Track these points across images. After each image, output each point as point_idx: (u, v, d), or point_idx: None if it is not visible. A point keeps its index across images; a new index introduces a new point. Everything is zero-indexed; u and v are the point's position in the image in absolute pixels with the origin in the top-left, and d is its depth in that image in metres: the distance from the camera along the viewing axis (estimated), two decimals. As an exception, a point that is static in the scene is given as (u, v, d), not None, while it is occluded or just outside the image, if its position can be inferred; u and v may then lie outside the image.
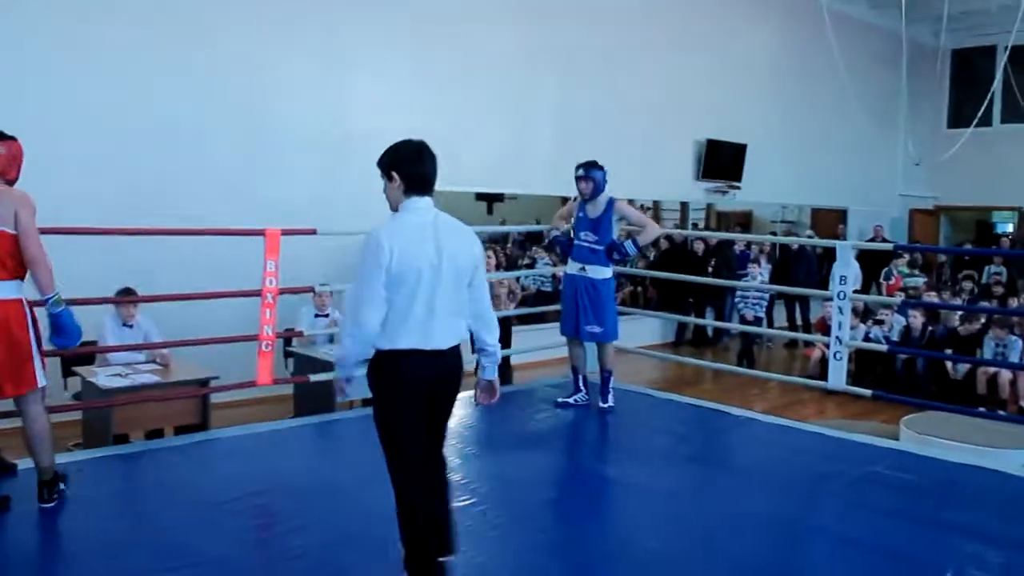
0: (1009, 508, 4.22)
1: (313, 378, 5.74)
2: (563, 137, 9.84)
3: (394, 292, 2.91)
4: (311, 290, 6.01)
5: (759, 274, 10.94)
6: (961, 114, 14.83)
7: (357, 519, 3.78)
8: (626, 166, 10.37)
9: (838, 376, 5.77)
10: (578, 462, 5.04)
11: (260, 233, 5.18)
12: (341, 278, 7.16)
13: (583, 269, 5.66)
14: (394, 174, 3.03)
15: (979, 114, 13.22)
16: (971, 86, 14.90)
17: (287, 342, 6.73)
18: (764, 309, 10.78)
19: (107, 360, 5.66)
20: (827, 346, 6.22)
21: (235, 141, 7.51)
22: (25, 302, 3.75)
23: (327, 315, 6.73)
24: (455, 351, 3.08)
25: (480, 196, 10.68)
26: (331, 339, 6.60)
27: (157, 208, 6.62)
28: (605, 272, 5.69)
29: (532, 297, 10.53)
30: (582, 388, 5.85)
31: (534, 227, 10.53)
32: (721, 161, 12.07)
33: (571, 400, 5.83)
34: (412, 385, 2.97)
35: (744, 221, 13.37)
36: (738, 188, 12.35)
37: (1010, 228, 15.40)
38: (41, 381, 3.77)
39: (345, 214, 7.08)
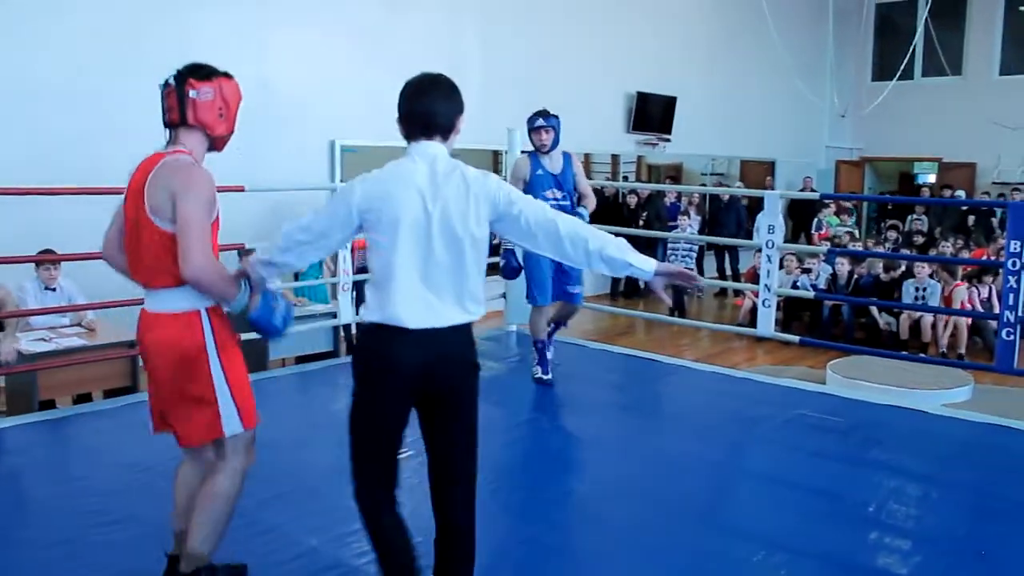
0: (928, 446, 4.38)
1: (244, 337, 5.64)
2: (490, 90, 9.76)
3: (371, 250, 2.40)
4: (241, 247, 5.90)
5: (689, 226, 11.08)
6: (885, 67, 15.12)
7: (290, 477, 3.76)
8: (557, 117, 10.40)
9: (767, 323, 5.90)
10: (513, 413, 5.07)
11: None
12: (269, 236, 7.07)
13: None
14: (397, 120, 2.50)
15: (901, 67, 13.51)
16: (894, 40, 15.19)
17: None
18: (694, 260, 10.94)
19: (29, 324, 5.50)
20: (756, 294, 6.35)
21: (154, 99, 7.28)
22: (204, 315, 2.65)
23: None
24: (457, 334, 2.41)
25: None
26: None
27: (75, 170, 6.39)
28: None
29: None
30: (548, 354, 5.43)
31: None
32: (651, 114, 12.14)
33: (548, 376, 5.35)
34: (384, 371, 2.37)
35: (675, 174, 13.49)
36: (668, 141, 12.45)
37: (931, 178, 15.82)
38: (231, 427, 2.70)
39: (272, 169, 6.96)
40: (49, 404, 5.21)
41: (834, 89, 13.94)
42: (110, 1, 7.09)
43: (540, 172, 5.13)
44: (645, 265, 2.45)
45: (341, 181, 7.95)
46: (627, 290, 11.88)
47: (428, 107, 2.48)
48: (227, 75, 2.70)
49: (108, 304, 5.28)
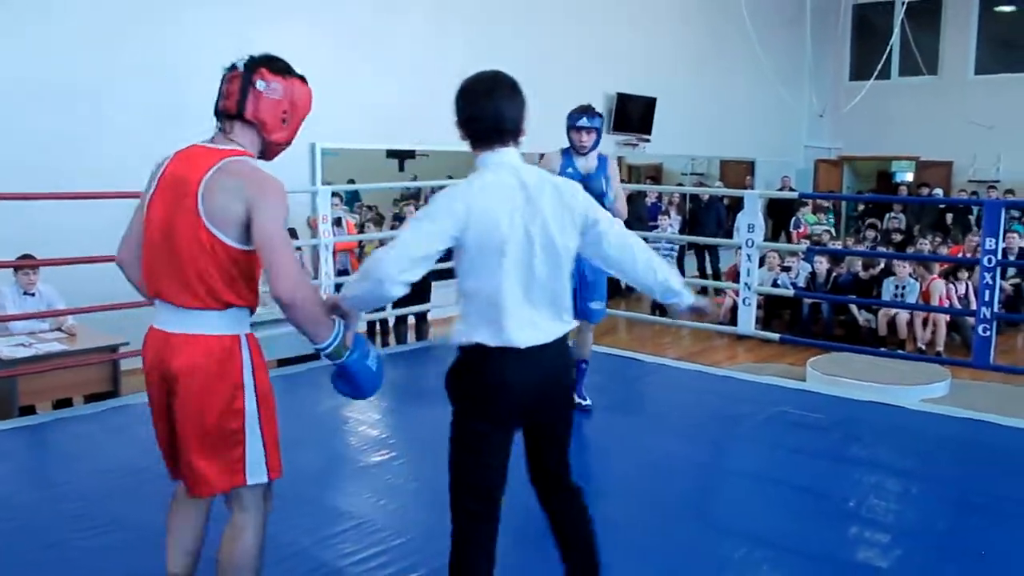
0: (907, 441, 4.43)
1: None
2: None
3: (467, 269, 2.28)
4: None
5: (670, 225, 11.14)
6: (862, 67, 15.23)
7: (280, 479, 3.75)
8: (536, 119, 10.36)
9: (747, 322, 5.95)
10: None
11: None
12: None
13: None
14: (458, 124, 2.36)
15: (879, 67, 13.62)
16: (871, 40, 15.29)
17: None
18: (675, 260, 10.99)
19: (8, 330, 5.46)
20: (737, 293, 6.40)
21: (138, 99, 7.25)
22: (244, 342, 2.30)
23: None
24: (559, 346, 2.34)
25: (391, 153, 10.57)
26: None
27: (55, 174, 6.36)
28: None
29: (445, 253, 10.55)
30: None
31: (446, 182, 10.44)
32: (631, 114, 12.18)
33: (587, 399, 4.81)
34: (500, 396, 2.26)
35: (654, 174, 13.55)
36: (648, 141, 12.49)
37: (909, 177, 15.96)
38: (255, 475, 2.31)
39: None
40: (29, 410, 5.19)
41: (812, 89, 14.04)
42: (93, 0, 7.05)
43: (570, 170, 4.53)
44: (686, 296, 2.51)
45: (322, 184, 7.93)
46: (608, 290, 11.90)
47: (496, 110, 2.33)
48: (303, 78, 2.39)
49: (88, 309, 5.26)
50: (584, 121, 4.55)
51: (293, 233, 7.28)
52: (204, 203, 2.17)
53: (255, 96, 2.27)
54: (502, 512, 2.40)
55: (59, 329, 5.56)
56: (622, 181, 4.99)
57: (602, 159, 4.68)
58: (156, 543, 3.13)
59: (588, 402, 4.80)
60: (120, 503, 3.53)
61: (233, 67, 2.31)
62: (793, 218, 13.03)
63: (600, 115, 4.66)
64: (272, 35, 8.06)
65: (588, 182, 4.36)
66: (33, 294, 5.59)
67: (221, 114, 2.32)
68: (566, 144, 4.68)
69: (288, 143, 2.39)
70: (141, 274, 2.34)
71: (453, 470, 2.34)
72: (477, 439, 2.30)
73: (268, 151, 2.37)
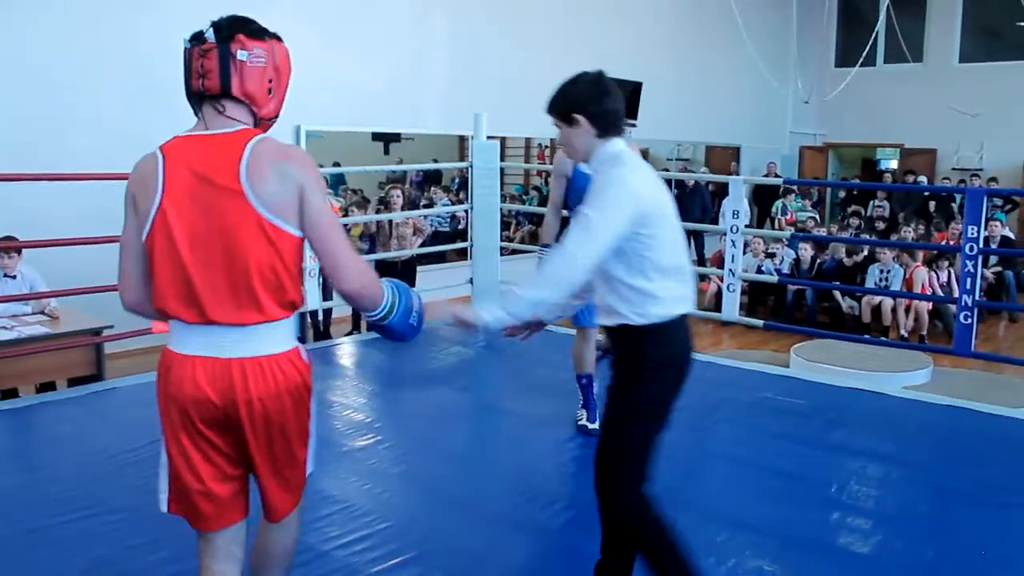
0: (889, 427, 4.47)
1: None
2: (457, 75, 9.76)
3: (667, 249, 2.38)
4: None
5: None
6: (848, 54, 15.25)
7: (262, 463, 3.76)
8: (522, 104, 10.35)
9: (731, 308, 5.97)
10: (480, 398, 5.10)
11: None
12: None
13: None
14: (578, 117, 2.43)
15: (864, 54, 13.65)
16: (857, 27, 15.31)
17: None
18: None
19: (-11, 312, 5.42)
20: (721, 279, 6.42)
21: (118, 84, 7.19)
22: (304, 353, 2.12)
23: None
24: None
25: (376, 136, 10.54)
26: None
27: (35, 157, 6.31)
28: None
29: (430, 238, 10.55)
30: (594, 397, 4.34)
31: (431, 166, 10.46)
32: (617, 99, 12.17)
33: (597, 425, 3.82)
34: (688, 362, 2.45)
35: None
36: (634, 126, 12.39)
37: (893, 164, 16.02)
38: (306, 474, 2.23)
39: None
40: (12, 393, 5.15)
41: (798, 75, 14.06)
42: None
43: (584, 169, 4.03)
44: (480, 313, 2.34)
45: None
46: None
47: (621, 104, 2.53)
48: (277, 37, 2.08)
49: (70, 292, 5.22)
50: None
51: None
52: (256, 193, 1.91)
53: (238, 69, 1.97)
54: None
55: (42, 312, 5.52)
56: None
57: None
58: (139, 526, 3.15)
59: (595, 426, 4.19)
60: (103, 486, 3.52)
61: (201, 38, 1.97)
62: (780, 204, 13.07)
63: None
64: (255, 17, 8.03)
65: None
66: (14, 276, 5.54)
67: (202, 95, 1.99)
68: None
69: (277, 116, 2.12)
70: (166, 303, 1.97)
71: (630, 439, 2.42)
72: (663, 409, 2.43)
73: (261, 128, 2.07)
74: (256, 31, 2.02)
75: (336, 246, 1.98)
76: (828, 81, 14.78)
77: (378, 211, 8.69)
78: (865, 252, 9.59)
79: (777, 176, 13.28)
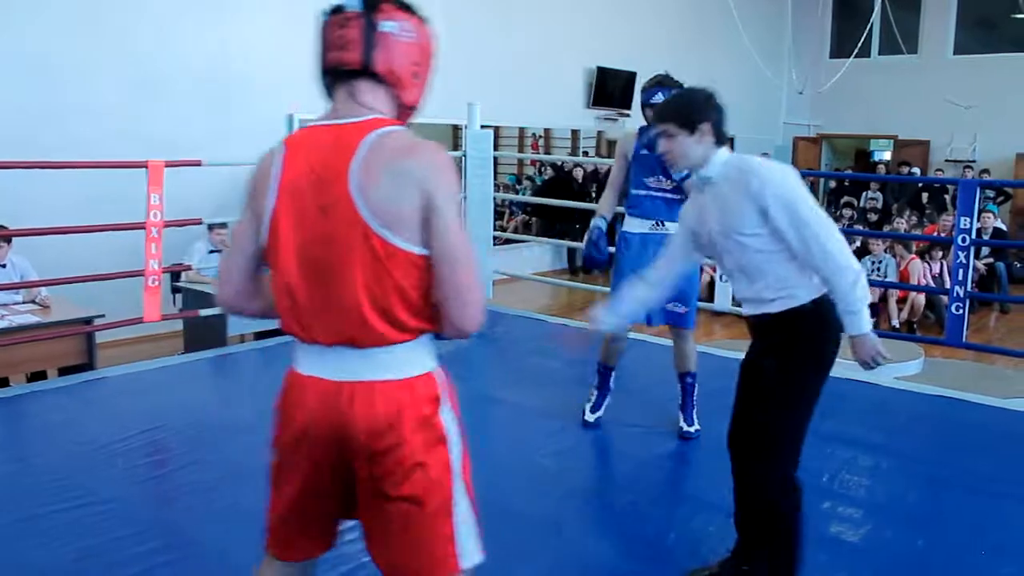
0: (880, 417, 4.48)
1: (203, 313, 5.61)
2: (451, 63, 9.65)
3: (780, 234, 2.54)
4: (199, 222, 5.82)
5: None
6: (842, 45, 15.25)
7: (252, 453, 3.72)
8: (516, 94, 10.36)
9: (725, 298, 5.97)
10: (468, 387, 5.07)
11: (143, 165, 4.99)
12: (229, 211, 6.98)
13: (659, 225, 3.94)
14: (705, 126, 2.60)
15: (859, 45, 13.64)
16: (852, 18, 15.31)
17: (175, 277, 6.55)
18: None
19: (-20, 301, 5.40)
20: (714, 269, 6.42)
21: (113, 74, 7.13)
22: (442, 382, 1.77)
23: (221, 251, 6.51)
24: None
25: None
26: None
27: (29, 147, 6.26)
28: None
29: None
30: (611, 386, 4.35)
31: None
32: (610, 89, 12.16)
33: (601, 411, 4.28)
34: (840, 340, 2.55)
35: (634, 150, 13.53)
36: (628, 116, 12.47)
37: (887, 155, 16.03)
38: (468, 556, 1.76)
39: (229, 143, 6.86)
40: (2, 382, 5.15)
41: (792, 66, 14.05)
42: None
43: (644, 152, 3.95)
44: None
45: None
46: (586, 266, 11.93)
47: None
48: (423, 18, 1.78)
49: (62, 280, 5.20)
50: (660, 96, 3.80)
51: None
52: (364, 197, 1.60)
53: (384, 41, 1.66)
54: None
55: (32, 301, 5.49)
56: (603, 156, 4.70)
57: None
58: (128, 516, 3.14)
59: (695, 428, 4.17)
60: (94, 476, 3.51)
61: (340, 8, 1.69)
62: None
63: (678, 85, 3.85)
64: (246, 4, 8.00)
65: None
66: (4, 265, 5.52)
67: (336, 71, 1.70)
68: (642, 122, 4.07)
69: (418, 108, 1.80)
70: (280, 315, 1.75)
71: (795, 422, 2.56)
72: (817, 391, 2.55)
73: (400, 117, 1.76)
74: (405, 3, 1.73)
75: (463, 277, 1.63)
76: (823, 72, 14.78)
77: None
78: (858, 243, 9.60)
79: (771, 167, 13.27)
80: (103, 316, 5.32)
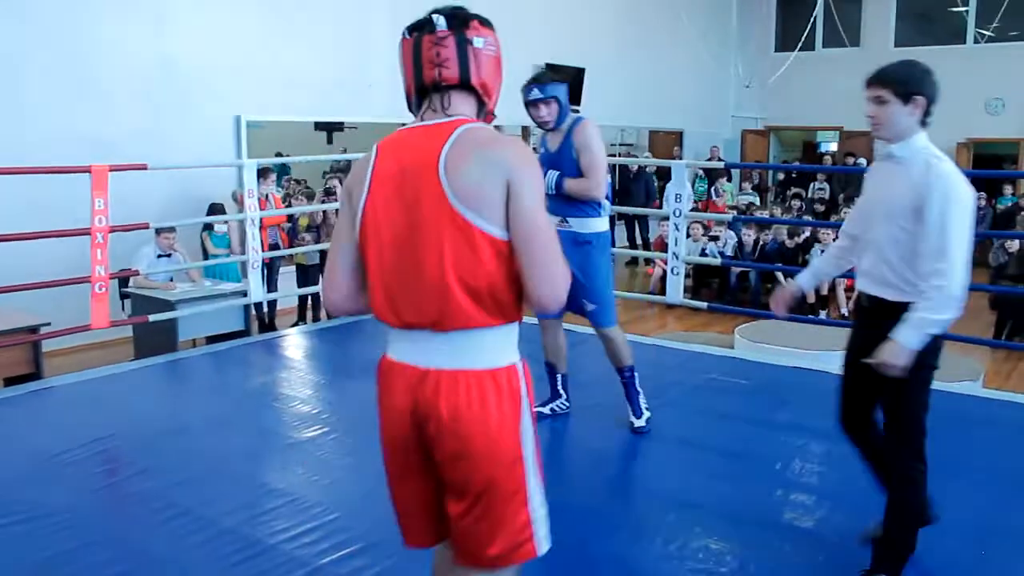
0: (831, 405, 4.52)
1: (152, 318, 5.53)
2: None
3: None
4: (147, 227, 5.74)
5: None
6: (787, 38, 15.45)
7: (203, 459, 3.71)
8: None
9: (676, 291, 6.03)
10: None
11: (86, 170, 4.89)
12: (176, 215, 6.89)
13: (563, 223, 3.84)
14: (920, 99, 2.56)
15: (803, 38, 13.84)
16: (796, 12, 15.52)
17: (123, 283, 6.44)
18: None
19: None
20: (666, 263, 6.47)
21: (49, 74, 6.99)
22: (522, 372, 1.84)
23: (169, 255, 6.39)
24: None
25: (319, 126, 10.42)
26: (171, 279, 6.33)
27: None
28: (596, 223, 3.91)
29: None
30: (561, 391, 4.30)
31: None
32: (560, 85, 12.19)
33: (547, 409, 4.21)
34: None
35: (585, 145, 13.60)
36: (577, 111, 12.51)
37: (833, 147, 16.29)
38: (541, 546, 1.85)
39: (175, 146, 6.77)
40: (-55, 394, 5.01)
41: (739, 60, 14.22)
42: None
43: (543, 151, 3.94)
44: None
45: (248, 157, 7.76)
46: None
47: None
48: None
49: (5, 289, 5.09)
50: (535, 93, 3.78)
51: (222, 209, 7.13)
52: (451, 183, 1.71)
53: (476, 57, 1.82)
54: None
55: (-25, 310, 5.37)
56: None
57: (573, 123, 3.88)
58: (75, 528, 3.08)
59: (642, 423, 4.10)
60: (43, 489, 3.44)
61: (429, 26, 1.83)
62: (712, 187, 13.35)
63: (558, 80, 3.85)
64: (192, 4, 7.89)
65: (558, 161, 3.83)
66: (-54, 274, 5.39)
67: (434, 87, 1.82)
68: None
69: (494, 111, 1.93)
70: (374, 304, 1.85)
71: (919, 412, 2.74)
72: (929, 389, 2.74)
73: (488, 118, 1.90)
74: (485, 19, 1.88)
75: (545, 256, 1.71)
76: (768, 66, 14.98)
77: (323, 201, 8.58)
78: (807, 233, 9.75)
79: (720, 160, 13.44)
80: (49, 324, 5.22)
